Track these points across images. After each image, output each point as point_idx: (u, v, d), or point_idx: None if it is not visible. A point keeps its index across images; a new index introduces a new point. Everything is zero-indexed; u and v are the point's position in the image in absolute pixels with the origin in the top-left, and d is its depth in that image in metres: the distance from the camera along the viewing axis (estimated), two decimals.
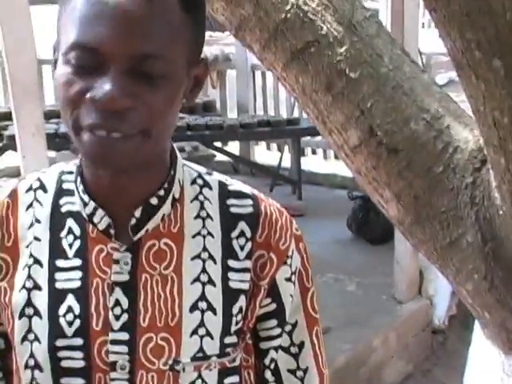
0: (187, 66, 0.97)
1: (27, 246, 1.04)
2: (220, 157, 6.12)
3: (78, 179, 1.03)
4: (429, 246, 1.50)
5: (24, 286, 1.02)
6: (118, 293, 1.01)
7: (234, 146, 6.72)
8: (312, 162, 6.99)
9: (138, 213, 1.02)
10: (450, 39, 1.17)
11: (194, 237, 1.05)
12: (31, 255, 1.03)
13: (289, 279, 1.10)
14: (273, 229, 1.08)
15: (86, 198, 1.02)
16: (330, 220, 5.50)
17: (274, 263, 1.08)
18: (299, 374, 1.14)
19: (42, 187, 1.07)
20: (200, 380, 1.03)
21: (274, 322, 1.11)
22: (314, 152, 7.18)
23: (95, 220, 1.02)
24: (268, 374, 1.13)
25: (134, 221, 1.02)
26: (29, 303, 1.02)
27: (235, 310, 1.05)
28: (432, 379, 4.09)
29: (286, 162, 6.45)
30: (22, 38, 2.75)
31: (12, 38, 2.74)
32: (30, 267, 1.03)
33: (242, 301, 1.05)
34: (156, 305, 1.01)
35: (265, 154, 7.26)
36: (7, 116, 5.35)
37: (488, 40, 1.11)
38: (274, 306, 1.10)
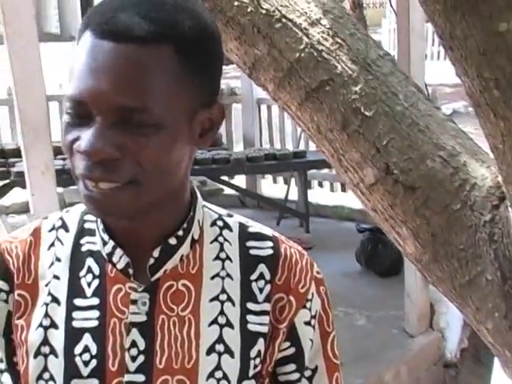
0: (190, 111, 0.95)
1: (46, 285, 1.03)
2: (227, 190, 6.12)
3: (99, 220, 1.03)
4: (447, 284, 1.48)
5: (41, 324, 1.01)
6: (135, 333, 0.99)
7: (240, 180, 6.72)
8: (319, 195, 6.99)
9: (156, 253, 1.01)
10: (467, 78, 1.17)
11: (212, 278, 1.04)
12: (49, 293, 1.03)
13: (308, 323, 1.08)
14: (292, 271, 1.06)
15: (105, 236, 1.02)
16: (339, 253, 5.48)
17: (293, 306, 1.06)
18: None
19: (64, 226, 1.07)
20: None
21: (292, 367, 1.08)
22: (320, 184, 7.19)
23: (114, 259, 1.01)
24: None
25: (152, 261, 1.01)
26: (45, 342, 1.01)
27: (253, 353, 1.03)
28: None
29: (293, 195, 6.45)
30: (31, 75, 2.77)
31: (22, 75, 2.75)
32: (47, 305, 1.02)
33: (260, 344, 1.04)
34: (173, 347, 1.00)
35: (271, 187, 7.26)
36: (15, 153, 5.38)
37: (506, 78, 1.11)
38: (292, 349, 1.07)
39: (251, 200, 6.69)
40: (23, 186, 4.69)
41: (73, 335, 1.00)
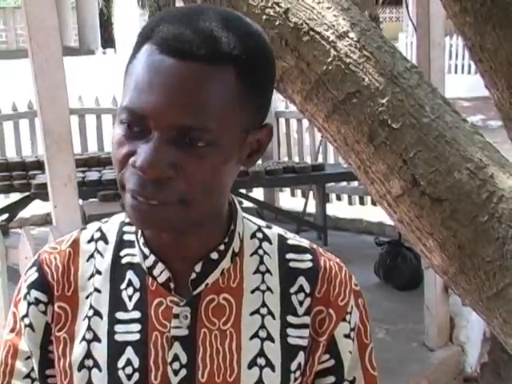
0: (243, 133, 0.96)
1: (87, 297, 1.04)
2: (245, 203, 6.13)
3: (139, 232, 1.04)
4: (474, 296, 1.48)
5: (84, 338, 1.02)
6: (177, 347, 1.00)
7: (258, 193, 6.73)
8: (337, 208, 6.98)
9: (198, 268, 1.01)
10: (496, 90, 1.18)
11: (252, 292, 1.04)
12: (91, 307, 1.03)
13: (348, 335, 1.08)
14: (332, 284, 1.06)
15: (146, 250, 1.02)
16: (357, 266, 5.42)
17: (333, 319, 1.06)
18: None
19: (104, 238, 1.07)
20: None
21: (332, 379, 1.08)
22: (338, 198, 7.18)
23: (155, 273, 1.01)
24: None
25: (194, 275, 1.01)
26: (88, 355, 1.01)
27: (294, 366, 1.03)
28: None
29: (311, 208, 6.45)
30: (55, 87, 2.79)
31: (45, 88, 2.78)
32: (90, 318, 1.02)
33: (300, 357, 1.04)
34: (215, 360, 1.00)
35: (289, 200, 7.26)
36: (35, 165, 5.42)
37: None
38: (332, 362, 1.07)
39: (269, 213, 6.69)
40: (43, 199, 4.73)
41: (115, 348, 1.00)
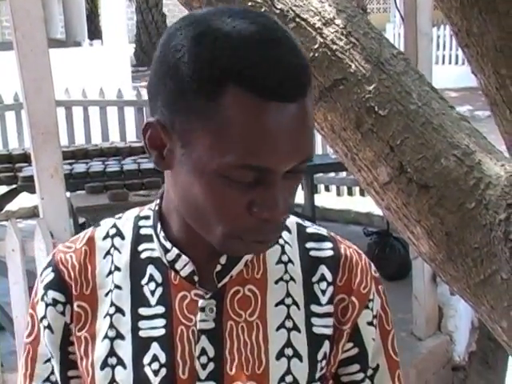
0: None
1: (106, 294, 1.01)
2: None
3: (158, 225, 1.02)
4: (462, 283, 1.48)
5: (106, 336, 1.00)
6: (204, 341, 0.98)
7: None
8: (325, 199, 6.98)
9: (223, 260, 1.00)
10: (483, 75, 1.17)
11: (276, 282, 1.03)
12: (112, 304, 1.01)
13: (371, 323, 1.07)
14: (353, 272, 1.06)
15: (167, 244, 1.00)
16: None
17: (356, 307, 1.05)
18: None
19: (119, 234, 1.05)
20: None
21: (356, 367, 1.08)
22: (326, 188, 7.19)
23: (177, 267, 1.00)
24: None
25: (219, 267, 1.00)
26: (112, 353, 0.99)
27: (320, 355, 1.03)
28: None
29: (299, 199, 6.45)
30: (40, 78, 2.78)
31: (31, 79, 2.76)
32: (111, 316, 1.00)
33: (326, 346, 1.03)
34: (242, 353, 0.99)
35: None
36: (22, 158, 5.39)
37: None
38: (356, 350, 1.07)
39: None
40: (30, 191, 4.70)
41: (140, 345, 0.99)
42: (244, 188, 0.88)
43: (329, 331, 1.04)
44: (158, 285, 1.00)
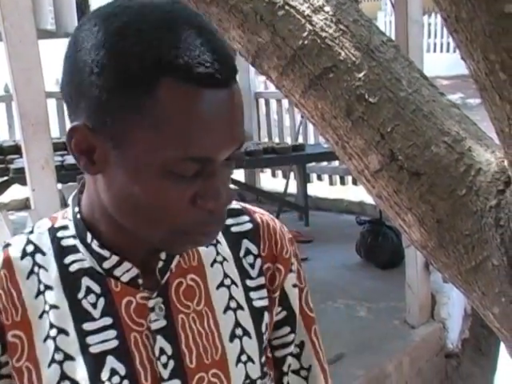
0: None
1: (40, 316, 0.95)
2: None
3: (88, 234, 0.97)
4: (453, 270, 1.48)
5: (54, 360, 0.94)
6: (161, 340, 0.97)
7: (239, 174, 6.72)
8: (318, 188, 6.99)
9: (163, 255, 0.99)
10: (472, 60, 1.16)
11: (212, 265, 1.04)
12: (52, 325, 0.95)
13: (295, 285, 1.11)
14: (273, 240, 1.09)
15: (104, 252, 0.96)
16: (338, 245, 5.49)
17: (282, 273, 1.09)
18: (303, 373, 1.15)
19: (39, 250, 0.98)
20: None
21: (287, 329, 1.11)
22: (319, 178, 7.19)
23: (117, 273, 0.97)
24: (286, 380, 1.13)
25: (161, 263, 0.99)
26: (63, 377, 0.94)
27: (263, 328, 1.05)
28: None
29: (292, 189, 6.45)
30: (30, 69, 2.76)
31: (20, 69, 2.75)
32: (54, 339, 0.95)
33: (266, 318, 1.06)
34: (199, 343, 0.99)
35: (270, 181, 7.26)
36: (13, 150, 5.37)
37: None
38: (284, 313, 1.11)
39: (250, 194, 6.68)
40: (22, 183, 4.69)
41: (94, 362, 0.95)
42: (186, 181, 0.87)
43: (265, 302, 1.06)
44: (98, 296, 0.96)
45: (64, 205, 3.68)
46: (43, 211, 2.94)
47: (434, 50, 15.68)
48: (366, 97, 1.43)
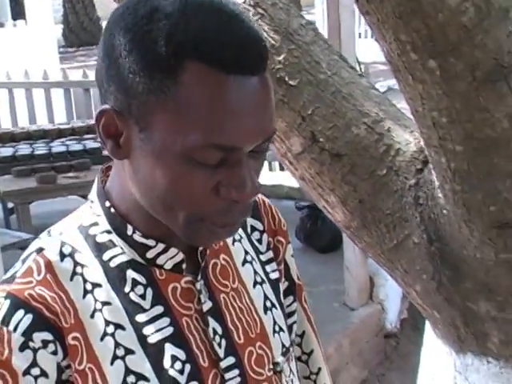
0: None
1: (92, 316, 0.93)
2: None
3: (129, 227, 0.96)
4: (376, 249, 1.51)
5: (116, 357, 0.92)
6: (212, 321, 0.97)
7: None
8: None
9: None
10: (385, 42, 1.18)
11: (233, 244, 1.06)
12: (108, 322, 0.93)
13: (292, 255, 1.15)
14: (270, 214, 1.12)
15: (150, 242, 0.95)
16: None
17: (284, 245, 1.12)
18: (297, 340, 1.18)
19: (76, 250, 0.96)
20: (291, 374, 1.06)
21: (291, 298, 1.14)
22: None
23: (159, 262, 0.96)
24: (296, 349, 1.17)
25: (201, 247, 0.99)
26: (128, 371, 0.92)
27: (282, 298, 1.09)
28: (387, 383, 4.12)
29: None
30: None
31: None
32: (113, 335, 0.93)
33: (281, 288, 1.10)
34: (242, 319, 1.01)
35: None
36: None
37: (422, 41, 1.13)
38: (287, 283, 1.14)
39: None
40: None
41: (154, 352, 0.93)
42: (209, 170, 0.85)
43: (277, 275, 1.09)
44: (145, 286, 0.95)
45: (0, 198, 3.61)
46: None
47: (372, 36, 15.85)
48: (286, 79, 1.44)
